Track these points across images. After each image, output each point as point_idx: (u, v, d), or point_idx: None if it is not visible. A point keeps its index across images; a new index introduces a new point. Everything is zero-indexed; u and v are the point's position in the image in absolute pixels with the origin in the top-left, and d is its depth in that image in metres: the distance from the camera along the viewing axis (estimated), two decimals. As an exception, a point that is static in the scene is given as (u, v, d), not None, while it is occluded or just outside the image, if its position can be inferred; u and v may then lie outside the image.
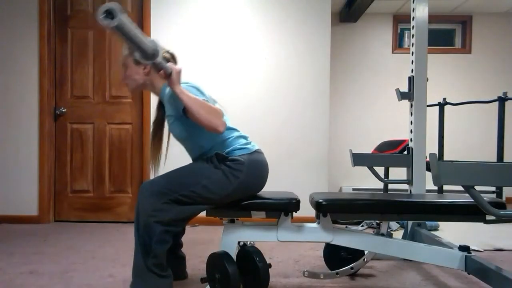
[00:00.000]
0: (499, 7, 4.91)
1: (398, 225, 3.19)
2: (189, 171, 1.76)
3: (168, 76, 1.60)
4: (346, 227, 1.84)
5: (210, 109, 1.63)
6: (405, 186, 2.54)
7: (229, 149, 1.80)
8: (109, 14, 1.19)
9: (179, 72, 1.61)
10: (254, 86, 3.49)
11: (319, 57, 3.49)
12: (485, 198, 1.41)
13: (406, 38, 5.17)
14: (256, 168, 1.80)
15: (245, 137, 1.88)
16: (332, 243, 1.79)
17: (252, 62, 3.49)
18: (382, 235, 1.88)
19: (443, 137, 4.10)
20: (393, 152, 3.22)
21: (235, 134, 1.85)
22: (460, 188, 1.39)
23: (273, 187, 2.31)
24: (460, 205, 1.72)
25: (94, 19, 3.54)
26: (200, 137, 1.80)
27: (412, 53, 2.49)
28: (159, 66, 1.56)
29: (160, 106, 1.94)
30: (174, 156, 2.12)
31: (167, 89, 1.77)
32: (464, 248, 1.79)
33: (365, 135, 5.04)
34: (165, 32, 3.48)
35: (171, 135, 1.91)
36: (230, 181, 1.73)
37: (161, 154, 1.94)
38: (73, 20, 3.57)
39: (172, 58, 1.90)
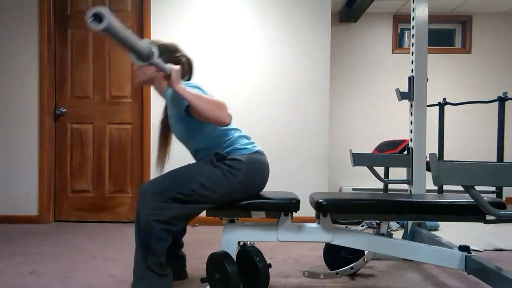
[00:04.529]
0: (499, 7, 4.91)
1: (398, 225, 3.19)
2: (188, 170, 1.77)
3: (168, 76, 1.59)
4: (346, 227, 1.84)
5: (214, 103, 1.63)
6: (405, 186, 2.54)
7: (229, 149, 1.80)
8: (97, 17, 1.19)
9: (178, 71, 1.60)
10: (254, 86, 3.49)
11: (319, 57, 3.49)
12: (485, 198, 1.41)
13: (406, 38, 5.16)
14: (255, 168, 1.80)
15: (246, 137, 1.89)
16: (332, 243, 1.80)
17: (252, 62, 3.49)
18: (382, 235, 1.88)
19: (443, 137, 4.10)
20: (393, 152, 3.22)
21: (236, 134, 1.85)
22: (460, 188, 1.39)
23: (273, 187, 2.32)
24: (460, 205, 1.72)
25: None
26: (202, 137, 1.81)
27: (412, 53, 2.49)
28: (157, 67, 1.55)
29: (167, 107, 1.95)
30: (175, 156, 2.12)
31: (169, 90, 1.76)
32: (464, 248, 1.79)
33: (365, 135, 5.04)
34: (165, 32, 3.47)
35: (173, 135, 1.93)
36: (229, 180, 1.73)
37: (168, 154, 1.96)
38: (73, 21, 3.57)
39: (188, 63, 1.91)
